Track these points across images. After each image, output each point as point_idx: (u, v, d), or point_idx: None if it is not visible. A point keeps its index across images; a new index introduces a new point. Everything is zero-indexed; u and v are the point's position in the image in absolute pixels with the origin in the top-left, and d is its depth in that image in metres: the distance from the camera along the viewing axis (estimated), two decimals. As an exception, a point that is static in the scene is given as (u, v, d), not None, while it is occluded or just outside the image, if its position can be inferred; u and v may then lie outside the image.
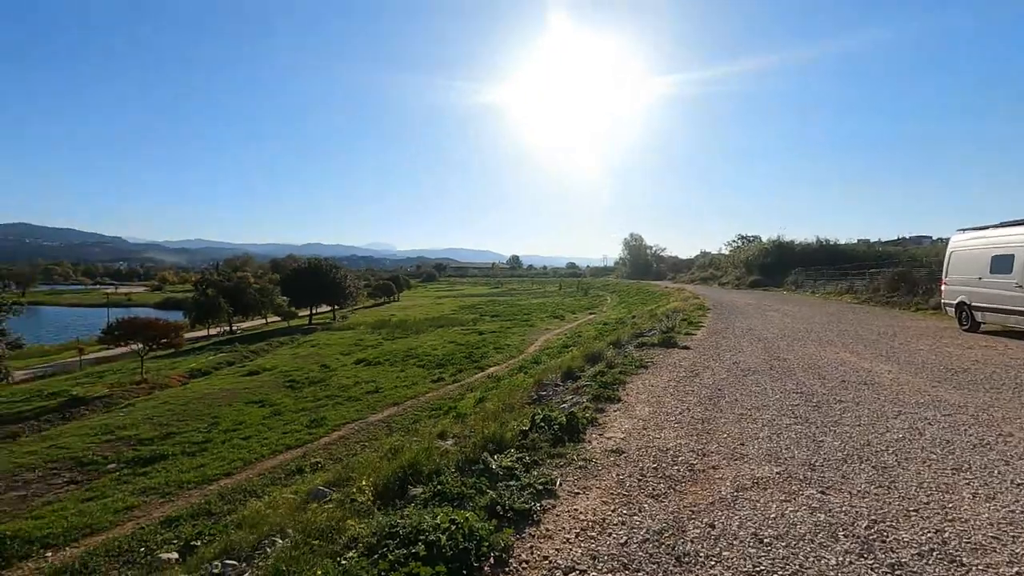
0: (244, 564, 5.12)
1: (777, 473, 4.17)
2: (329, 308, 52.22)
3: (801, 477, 4.07)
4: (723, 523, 3.41)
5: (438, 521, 3.77)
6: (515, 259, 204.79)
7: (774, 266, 41.06)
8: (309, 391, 19.49)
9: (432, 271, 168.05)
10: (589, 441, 5.18)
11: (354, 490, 6.44)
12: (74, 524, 9.05)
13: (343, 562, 3.57)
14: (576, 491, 4.15)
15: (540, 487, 4.36)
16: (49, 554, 8.16)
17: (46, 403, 18.53)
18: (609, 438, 5.24)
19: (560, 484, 4.32)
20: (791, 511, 3.53)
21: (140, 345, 23.37)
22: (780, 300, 26.19)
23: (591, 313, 39.40)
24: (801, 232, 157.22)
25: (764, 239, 51.63)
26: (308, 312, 48.34)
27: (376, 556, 3.55)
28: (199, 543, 7.57)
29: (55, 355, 34.58)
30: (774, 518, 3.45)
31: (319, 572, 3.43)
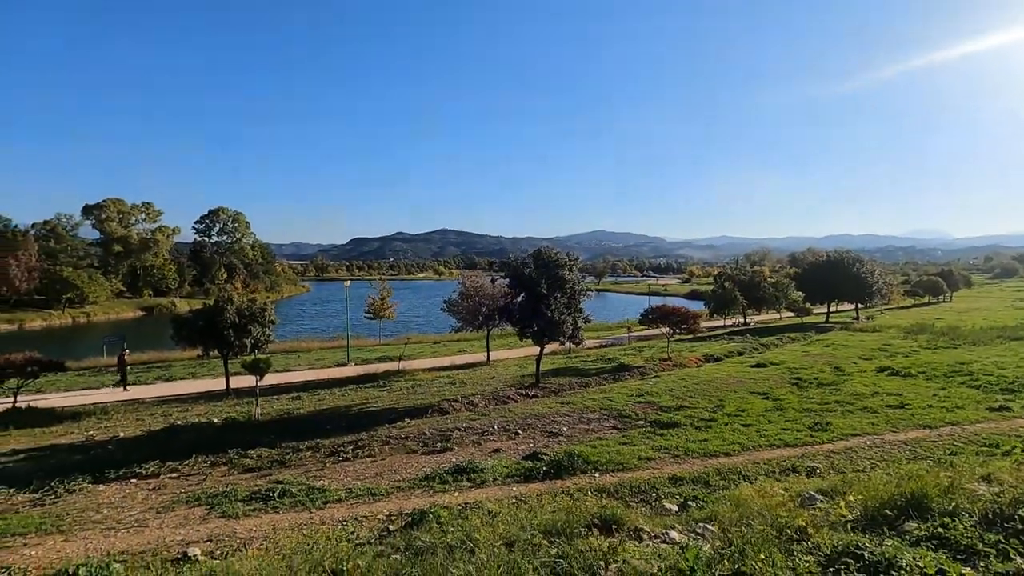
0: (722, 534, 5.62)
1: None
2: (851, 306, 46.76)
3: None
4: None
5: (920, 564, 3.17)
6: None
7: None
8: (816, 392, 18.31)
9: (1013, 264, 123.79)
10: None
11: (841, 504, 5.93)
12: (612, 459, 11.89)
13: (795, 561, 3.50)
14: None
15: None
16: (597, 474, 11.07)
17: (604, 366, 24.61)
18: None
19: None
20: None
21: (667, 328, 27.67)
22: None
23: None
24: None
25: None
26: (825, 309, 44.79)
27: (830, 569, 3.31)
28: (693, 505, 8.61)
29: (614, 330, 45.15)
30: None
31: (777, 559, 3.49)
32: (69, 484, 11.13)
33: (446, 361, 29.57)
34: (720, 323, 46.99)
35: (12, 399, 18.22)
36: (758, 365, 23.87)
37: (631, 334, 37.94)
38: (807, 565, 3.39)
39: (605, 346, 34.68)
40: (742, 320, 48.20)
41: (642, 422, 15.44)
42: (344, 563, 5.59)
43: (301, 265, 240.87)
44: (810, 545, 3.88)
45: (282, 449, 13.37)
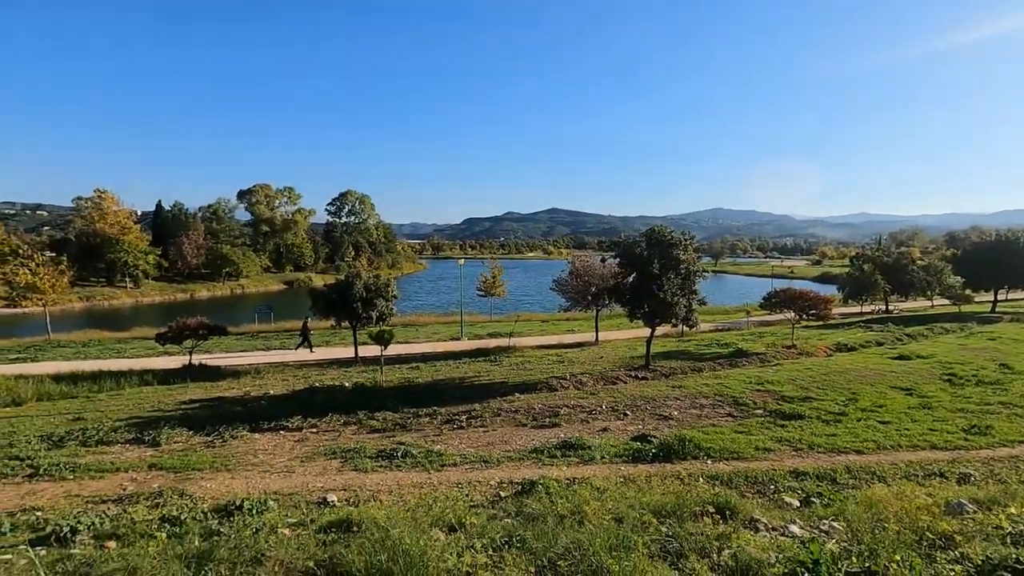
0: (849, 534, 5.26)
1: None
2: (1026, 294, 39.97)
3: None
4: None
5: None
6: None
7: None
8: (975, 391, 16.05)
9: None
10: None
11: (1000, 516, 5.34)
12: (726, 446, 11.42)
13: (937, 568, 3.23)
14: None
15: None
16: (709, 461, 10.72)
17: (720, 351, 23.44)
18: None
19: None
20: None
21: (792, 314, 25.61)
22: None
23: None
24: None
25: None
26: (990, 297, 38.69)
27: (979, 578, 3.02)
28: (817, 501, 8.06)
29: (732, 314, 42.68)
30: None
31: (915, 563, 3.25)
32: (233, 431, 13.00)
33: (554, 340, 29.93)
34: (856, 310, 42.56)
35: (188, 357, 21.51)
36: (901, 357, 21.36)
37: (750, 319, 35.64)
38: (952, 574, 3.10)
39: (721, 330, 32.99)
40: (883, 307, 43.23)
41: (760, 411, 14.59)
42: (463, 519, 6.05)
43: (419, 244, 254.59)
44: (957, 554, 3.53)
45: (404, 414, 14.50)
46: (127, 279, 73.75)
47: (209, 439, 12.63)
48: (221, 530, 6.12)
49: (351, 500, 8.97)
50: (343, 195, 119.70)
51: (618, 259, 19.58)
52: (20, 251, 48.86)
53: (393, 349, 23.41)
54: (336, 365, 22.58)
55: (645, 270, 17.91)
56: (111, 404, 16.24)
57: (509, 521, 6.05)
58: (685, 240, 18.62)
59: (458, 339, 31.26)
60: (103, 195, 75.14)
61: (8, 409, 15.80)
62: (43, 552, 5.83)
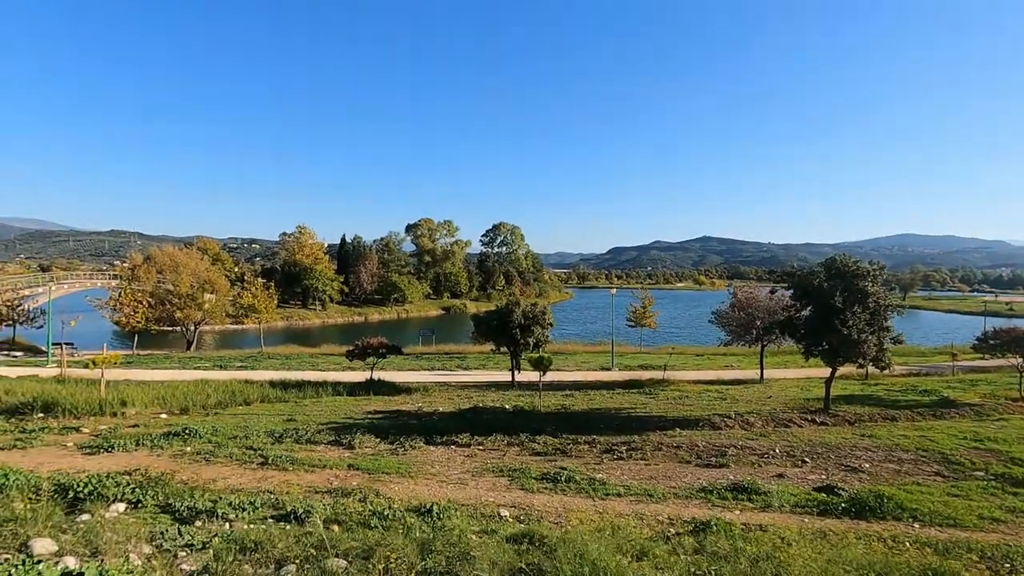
0: None
1: None
2: None
3: None
4: None
5: None
6: None
7: None
8: None
9: None
10: None
11: None
12: (938, 510, 9.81)
13: None
14: None
15: None
16: (916, 525, 9.31)
17: (918, 398, 20.26)
18: None
19: None
20: None
21: (1020, 359, 21.23)
22: None
23: None
24: None
25: None
26: None
27: None
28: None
29: (928, 356, 36.61)
30: None
31: None
32: (411, 442, 14.38)
33: (711, 375, 28.31)
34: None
35: (370, 372, 24.28)
36: None
37: (957, 363, 30.20)
38: None
39: (915, 374, 28.48)
40: None
41: (981, 473, 12.30)
42: (645, 549, 6.08)
43: (564, 273, 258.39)
44: None
45: (563, 440, 14.80)
46: (317, 302, 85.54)
47: (392, 447, 14.12)
48: (423, 528, 6.87)
49: (521, 517, 9.39)
50: (496, 227, 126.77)
51: (791, 291, 18.10)
52: (245, 278, 59.34)
53: (546, 376, 24.07)
54: (494, 388, 23.80)
55: (826, 303, 16.29)
56: (313, 409, 18.94)
57: (694, 557, 5.93)
58: (873, 270, 16.62)
59: (608, 369, 31.05)
60: (303, 230, 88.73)
61: (241, 407, 19.26)
62: (287, 527, 7.05)
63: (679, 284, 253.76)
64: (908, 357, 34.88)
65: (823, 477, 12.18)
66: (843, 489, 11.00)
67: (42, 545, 5.01)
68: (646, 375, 26.69)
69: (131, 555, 5.21)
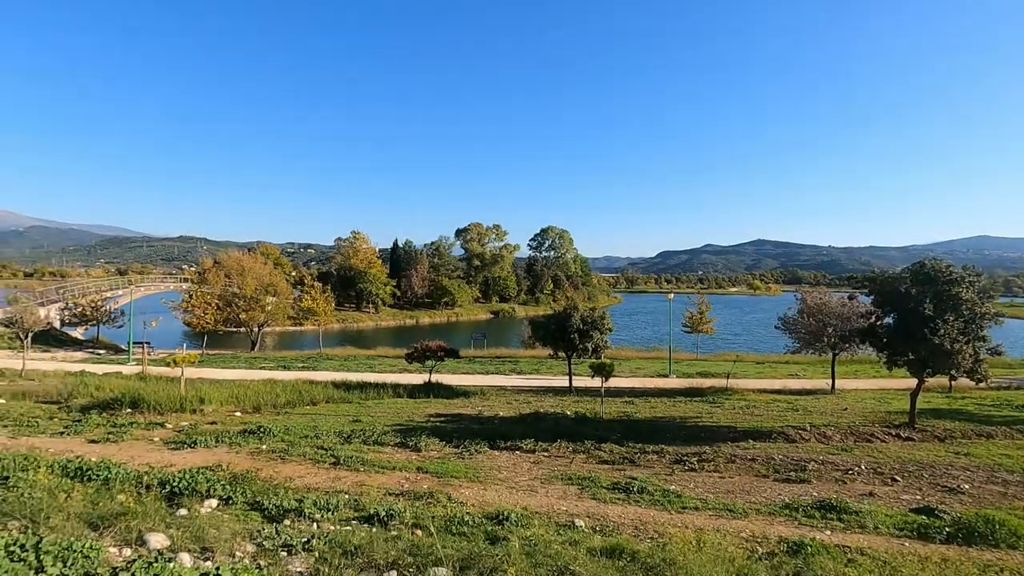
0: None
1: None
2: None
3: None
4: None
5: None
6: None
7: None
8: None
9: None
10: None
11: None
12: (1059, 540, 8.91)
13: None
14: None
15: None
16: (1035, 555, 8.47)
17: (1015, 414, 18.70)
18: None
19: None
20: None
21: None
22: None
23: None
24: None
25: None
26: None
27: None
28: None
29: (1016, 369, 33.84)
30: None
31: None
32: (476, 446, 14.36)
33: (777, 384, 27.09)
34: None
35: (428, 375, 24.55)
36: None
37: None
38: None
39: (1005, 388, 26.34)
40: None
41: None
42: (743, 568, 5.75)
43: (613, 277, 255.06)
44: None
45: (630, 448, 14.43)
46: (370, 305, 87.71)
47: (458, 451, 14.13)
48: (507, 536, 6.75)
49: (597, 528, 9.15)
50: (544, 231, 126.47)
51: (870, 297, 17.05)
52: (304, 282, 61.47)
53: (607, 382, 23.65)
54: (551, 393, 23.57)
55: (913, 311, 15.22)
56: (376, 411, 19.28)
57: (801, 581, 5.56)
58: (969, 276, 15.40)
59: (666, 376, 30.26)
60: (357, 235, 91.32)
61: (308, 407, 19.83)
62: (374, 530, 7.09)
63: (732, 289, 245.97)
64: (993, 369, 32.19)
65: (918, 497, 11.32)
66: (944, 512, 10.18)
67: (156, 540, 5.18)
68: (707, 383, 25.82)
69: (237, 553, 5.33)
